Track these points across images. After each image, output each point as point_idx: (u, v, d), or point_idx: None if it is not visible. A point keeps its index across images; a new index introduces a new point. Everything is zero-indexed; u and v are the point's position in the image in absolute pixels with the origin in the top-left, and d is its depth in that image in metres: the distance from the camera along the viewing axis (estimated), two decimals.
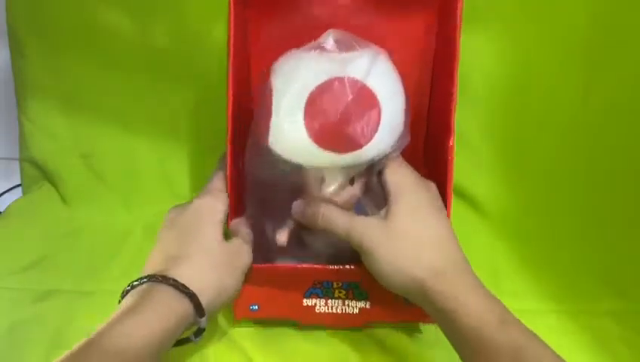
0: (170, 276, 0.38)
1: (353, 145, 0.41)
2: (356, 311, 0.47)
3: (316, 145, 0.40)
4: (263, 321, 0.49)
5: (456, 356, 0.37)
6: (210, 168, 0.47)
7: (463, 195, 0.62)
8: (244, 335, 0.48)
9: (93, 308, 0.50)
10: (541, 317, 0.49)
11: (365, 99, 0.40)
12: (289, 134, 0.41)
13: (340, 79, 0.40)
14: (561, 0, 0.55)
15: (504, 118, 0.60)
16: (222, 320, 0.49)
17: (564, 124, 0.60)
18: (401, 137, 0.43)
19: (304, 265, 0.45)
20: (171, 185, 0.64)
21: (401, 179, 0.43)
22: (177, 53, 0.59)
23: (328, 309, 0.47)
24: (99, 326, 0.35)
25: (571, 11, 0.55)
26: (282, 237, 0.45)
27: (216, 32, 0.57)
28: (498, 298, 0.38)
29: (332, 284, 0.46)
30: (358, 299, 0.47)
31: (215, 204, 0.43)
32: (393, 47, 0.44)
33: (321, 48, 0.41)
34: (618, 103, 0.58)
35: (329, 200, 0.43)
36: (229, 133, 0.44)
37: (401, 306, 0.45)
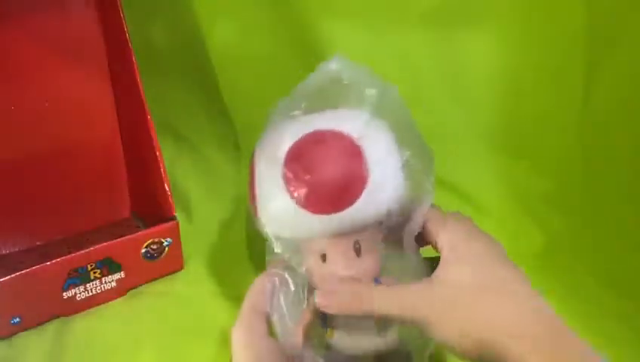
0: None
1: (344, 201, 0.36)
2: (114, 284, 0.52)
3: (302, 209, 0.36)
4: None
5: None
6: None
7: (461, 195, 0.62)
8: None
9: None
10: None
11: (347, 148, 0.36)
12: (270, 202, 0.37)
13: (318, 132, 0.37)
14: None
15: (503, 118, 0.60)
16: (222, 320, 0.49)
17: (564, 124, 0.59)
18: (417, 196, 0.38)
19: (54, 261, 0.47)
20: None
21: (450, 235, 0.36)
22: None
23: (88, 293, 0.50)
24: None
25: (571, 10, 0.54)
26: (299, 337, 0.37)
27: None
28: None
29: (87, 268, 0.49)
30: (113, 272, 0.51)
31: None
32: None
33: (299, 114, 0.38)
34: (619, 103, 0.56)
35: (350, 279, 0.37)
36: None
37: (151, 266, 0.53)
